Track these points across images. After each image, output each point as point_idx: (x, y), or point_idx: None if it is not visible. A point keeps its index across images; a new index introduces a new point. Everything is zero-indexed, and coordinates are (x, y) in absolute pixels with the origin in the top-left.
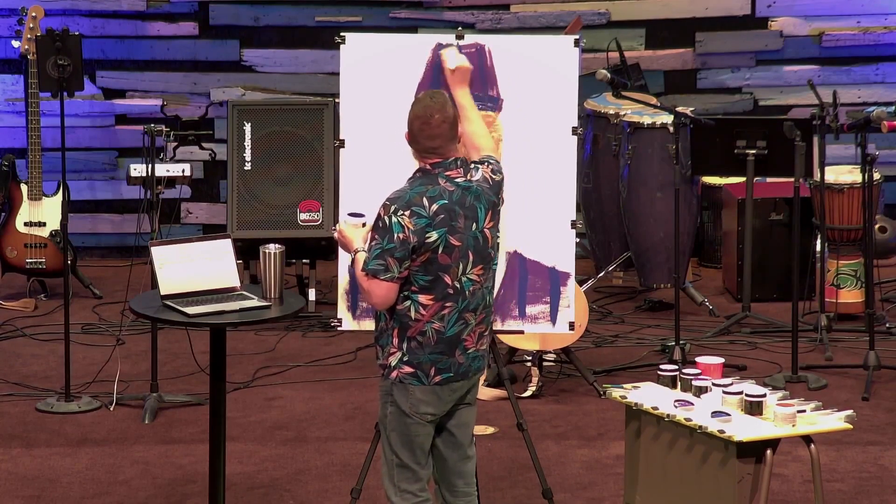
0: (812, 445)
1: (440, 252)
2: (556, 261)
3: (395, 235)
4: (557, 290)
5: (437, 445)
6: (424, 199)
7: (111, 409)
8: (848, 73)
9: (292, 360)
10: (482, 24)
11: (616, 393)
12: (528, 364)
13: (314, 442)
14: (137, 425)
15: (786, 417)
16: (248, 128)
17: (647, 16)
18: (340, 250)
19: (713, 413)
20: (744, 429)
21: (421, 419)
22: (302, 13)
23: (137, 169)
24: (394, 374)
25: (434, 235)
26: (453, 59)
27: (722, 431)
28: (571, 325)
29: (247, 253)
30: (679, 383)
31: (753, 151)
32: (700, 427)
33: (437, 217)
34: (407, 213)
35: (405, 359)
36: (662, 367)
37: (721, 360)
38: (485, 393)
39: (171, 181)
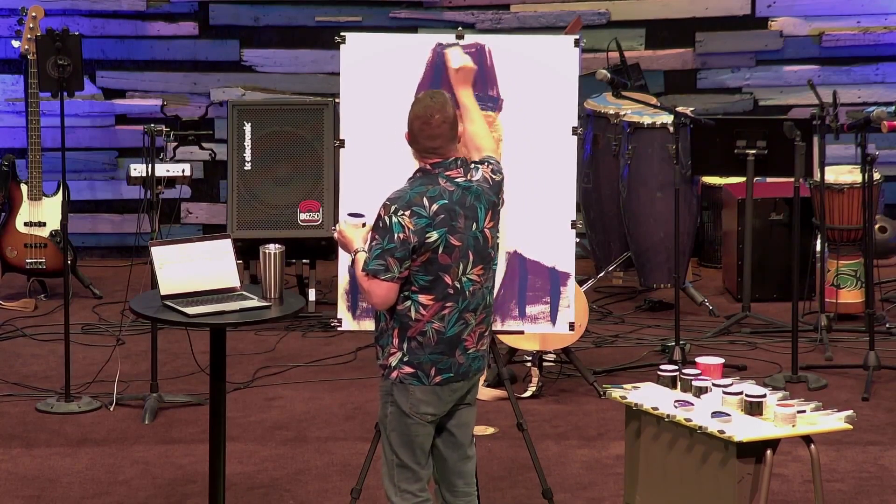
0: (812, 445)
1: (440, 252)
2: (556, 261)
3: (396, 235)
4: (557, 291)
5: (437, 445)
6: (425, 199)
7: (111, 409)
8: (848, 73)
9: (292, 360)
10: (482, 24)
11: (616, 393)
12: (528, 364)
13: (314, 442)
14: (137, 425)
15: (786, 417)
16: (248, 128)
17: (647, 16)
18: (340, 250)
19: (713, 413)
20: (744, 429)
21: (421, 419)
22: (302, 13)
23: (137, 169)
24: (394, 374)
25: (434, 235)
26: (457, 59)
27: (722, 432)
28: (571, 326)
29: (247, 253)
30: (679, 383)
31: (753, 151)
32: (700, 427)
33: (437, 217)
34: (407, 213)
35: (405, 359)
36: (662, 367)
37: (721, 360)
38: (485, 393)
39: (171, 181)
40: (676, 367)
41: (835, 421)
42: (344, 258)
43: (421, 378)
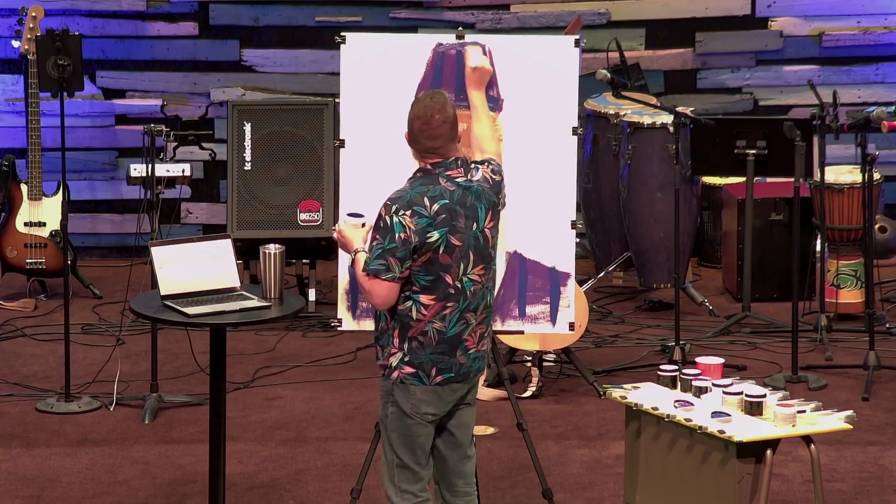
0: (812, 445)
1: (441, 252)
2: (556, 261)
3: (397, 235)
4: (557, 291)
5: (437, 445)
6: (425, 199)
7: (111, 409)
8: (848, 73)
9: (292, 360)
10: (482, 24)
11: (616, 393)
12: (528, 364)
13: (314, 442)
14: (137, 425)
15: (786, 417)
16: (248, 128)
17: (647, 16)
18: (340, 250)
19: (713, 413)
20: (744, 429)
21: (422, 419)
22: (302, 13)
23: (137, 169)
24: (395, 374)
25: (435, 235)
26: (475, 59)
27: (722, 431)
28: (571, 326)
29: (247, 253)
30: (679, 383)
31: (753, 151)
32: (700, 427)
33: (438, 217)
34: (408, 212)
35: (406, 359)
36: (662, 367)
37: (721, 360)
38: (485, 393)
39: (171, 181)
40: (676, 367)
41: (835, 421)
42: (344, 258)
43: (422, 378)
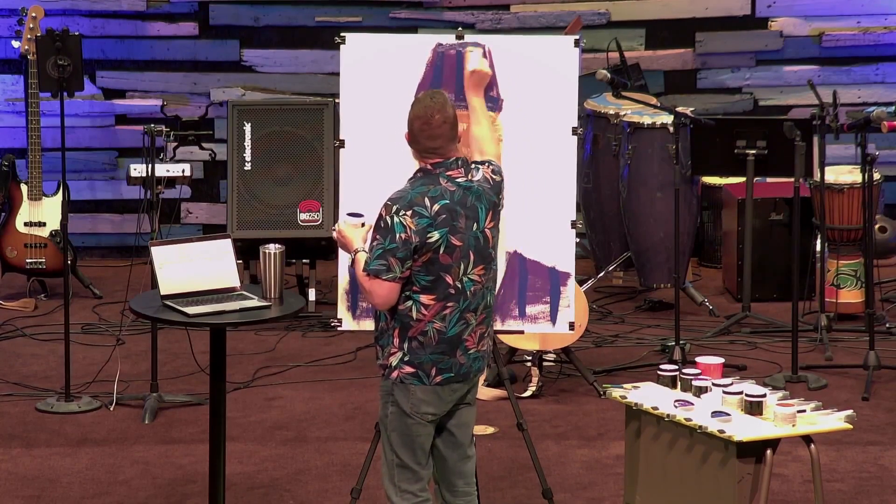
0: (812, 445)
1: (441, 252)
2: (556, 261)
3: (397, 235)
4: (557, 290)
5: (437, 445)
6: (426, 199)
7: (111, 409)
8: (848, 73)
9: (292, 360)
10: (482, 24)
11: (616, 393)
12: (528, 364)
13: (314, 442)
14: (137, 425)
15: (786, 417)
16: (248, 128)
17: (647, 16)
18: (340, 250)
19: (713, 413)
20: (744, 429)
21: (422, 419)
22: (302, 13)
23: (137, 169)
24: (394, 374)
25: (435, 235)
26: (475, 62)
27: (722, 431)
28: (571, 325)
29: (247, 253)
30: (679, 383)
31: (753, 151)
32: (700, 427)
33: (438, 217)
34: (409, 213)
35: (406, 359)
36: (662, 367)
37: (721, 360)
38: (485, 393)
39: (171, 181)
40: (676, 367)
41: (835, 421)
42: (344, 258)
43: (421, 378)
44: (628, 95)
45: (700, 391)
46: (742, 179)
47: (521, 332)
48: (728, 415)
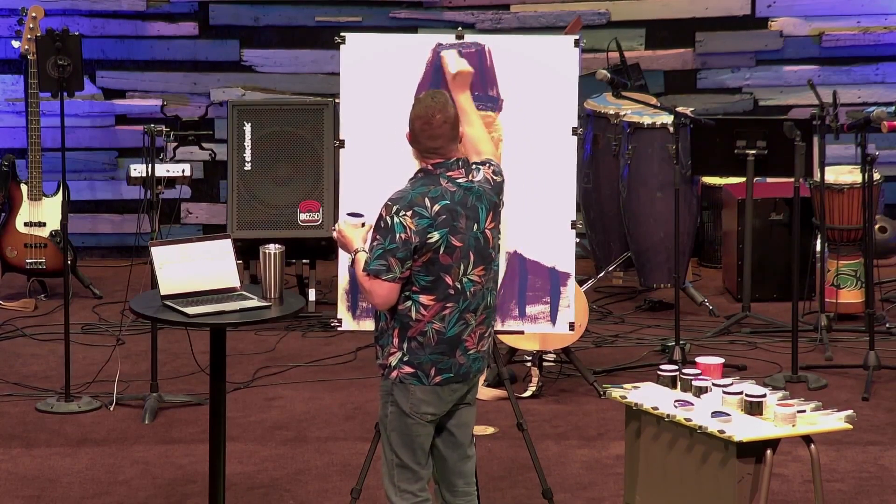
0: (812, 445)
1: (441, 252)
2: (556, 261)
3: (397, 236)
4: (557, 290)
5: (437, 445)
6: (426, 200)
7: (111, 409)
8: (848, 73)
9: (292, 360)
10: (482, 24)
11: (616, 393)
12: (528, 364)
13: (314, 442)
14: (137, 425)
15: (786, 417)
16: (248, 128)
17: (647, 16)
18: (340, 250)
19: (713, 413)
20: (744, 429)
21: (421, 419)
22: (302, 13)
23: (137, 169)
24: (394, 374)
25: (436, 236)
26: (454, 64)
27: (722, 431)
28: (571, 325)
29: (247, 253)
30: (679, 383)
31: (753, 151)
32: (700, 427)
33: (438, 217)
34: (409, 213)
35: (405, 359)
36: (662, 367)
37: (721, 360)
38: (485, 393)
39: (171, 181)
40: (676, 367)
41: (835, 421)
42: (344, 258)
43: (421, 378)
44: (628, 95)
45: (700, 391)
46: (742, 179)
47: (521, 333)
48: (728, 415)
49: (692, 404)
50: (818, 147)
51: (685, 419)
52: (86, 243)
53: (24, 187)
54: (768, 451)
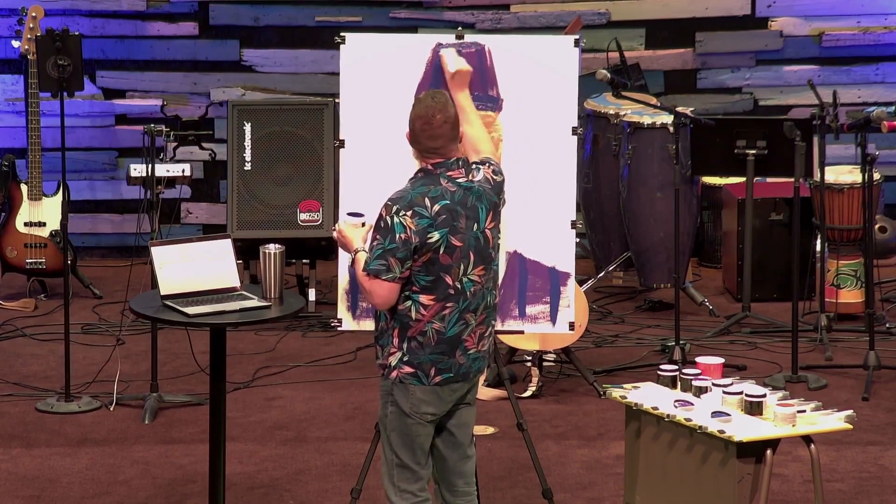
0: (812, 445)
1: (441, 252)
2: (556, 261)
3: (397, 236)
4: (557, 290)
5: (436, 445)
6: (426, 200)
7: (111, 409)
8: (848, 73)
9: (292, 360)
10: (482, 24)
11: (616, 393)
12: (528, 364)
13: (314, 442)
14: (137, 425)
15: (786, 417)
16: (248, 128)
17: (647, 16)
18: (340, 250)
19: (713, 413)
20: (744, 429)
21: (421, 419)
22: (302, 13)
23: (137, 169)
24: (394, 373)
25: (436, 236)
26: (453, 63)
27: (722, 431)
28: (571, 325)
29: (247, 253)
30: (679, 383)
31: (753, 151)
32: (700, 427)
33: (438, 217)
34: (409, 213)
35: (405, 359)
36: (662, 367)
37: (721, 360)
38: (485, 393)
39: (171, 181)
40: (676, 367)
41: (835, 421)
42: (344, 258)
43: (421, 378)
44: (628, 95)
45: (700, 391)
46: (742, 179)
47: (521, 332)
48: (728, 415)
49: (692, 404)
50: (818, 147)
51: (685, 419)
52: (86, 243)
53: (24, 187)
54: (768, 451)
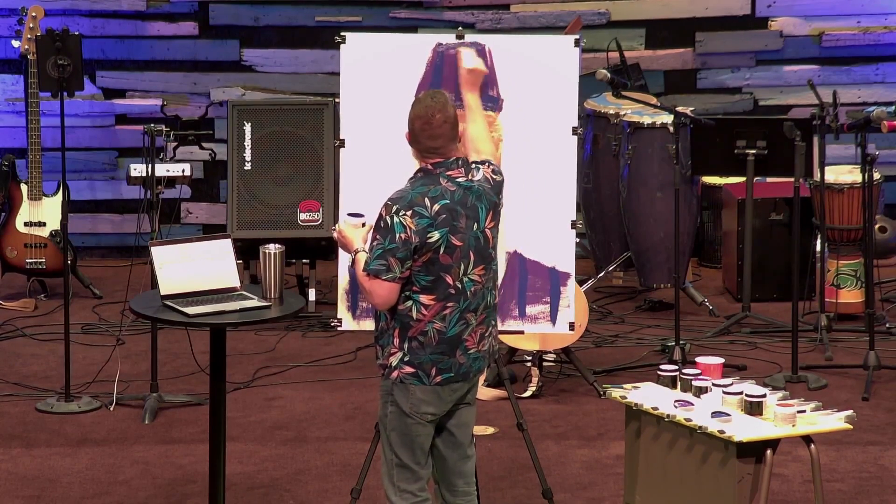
0: (812, 445)
1: (441, 252)
2: (556, 261)
3: (397, 235)
4: (557, 290)
5: (436, 445)
6: (426, 199)
7: (111, 409)
8: (848, 73)
9: (292, 360)
10: (482, 24)
11: (616, 393)
12: (528, 364)
13: (314, 442)
14: (137, 425)
15: (786, 417)
16: (248, 128)
17: (647, 16)
18: (340, 250)
19: (713, 413)
20: (744, 429)
21: (421, 419)
22: (302, 13)
23: (137, 169)
24: (394, 373)
25: (436, 235)
26: (470, 61)
27: (722, 431)
28: (571, 325)
29: (247, 253)
30: (679, 383)
31: (753, 151)
32: (700, 427)
33: (438, 217)
34: (409, 213)
35: (406, 359)
36: (662, 367)
37: (721, 360)
38: (485, 393)
39: (171, 181)
40: (676, 367)
41: (835, 421)
42: (344, 258)
43: (421, 378)
44: (628, 95)
45: (700, 391)
46: (742, 179)
47: (521, 332)
48: (728, 415)
49: (692, 404)
50: (818, 147)
51: (685, 419)
52: (86, 243)
53: (24, 187)
54: (768, 451)
